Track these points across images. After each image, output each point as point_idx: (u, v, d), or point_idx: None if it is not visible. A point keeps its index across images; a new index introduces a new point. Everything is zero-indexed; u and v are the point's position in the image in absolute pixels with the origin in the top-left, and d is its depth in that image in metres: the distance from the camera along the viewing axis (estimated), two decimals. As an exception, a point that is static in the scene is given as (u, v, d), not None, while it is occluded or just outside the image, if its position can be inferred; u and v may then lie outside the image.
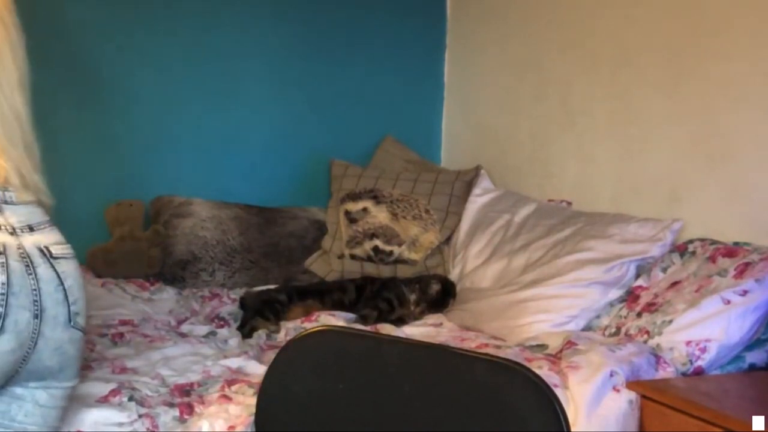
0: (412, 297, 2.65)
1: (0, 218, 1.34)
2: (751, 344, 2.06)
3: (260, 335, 2.40)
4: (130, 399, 1.76)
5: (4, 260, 1.29)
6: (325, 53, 3.31)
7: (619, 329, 2.22)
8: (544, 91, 3.01)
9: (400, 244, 3.00)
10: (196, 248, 2.90)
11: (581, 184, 2.86)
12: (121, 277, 2.74)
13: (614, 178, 2.73)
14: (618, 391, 1.91)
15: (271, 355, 1.79)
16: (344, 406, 1.14)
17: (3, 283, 1.28)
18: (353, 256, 3.05)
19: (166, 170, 3.08)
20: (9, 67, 1.39)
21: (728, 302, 2.03)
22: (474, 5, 3.39)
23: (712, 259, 2.18)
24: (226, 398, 1.84)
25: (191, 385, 1.93)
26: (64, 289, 1.38)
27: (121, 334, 2.29)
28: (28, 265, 1.33)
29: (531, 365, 1.72)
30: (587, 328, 2.31)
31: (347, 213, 3.09)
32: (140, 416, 1.72)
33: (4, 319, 1.28)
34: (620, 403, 1.90)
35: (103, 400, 1.75)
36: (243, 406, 1.79)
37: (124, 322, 2.41)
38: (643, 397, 1.89)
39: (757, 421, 1.62)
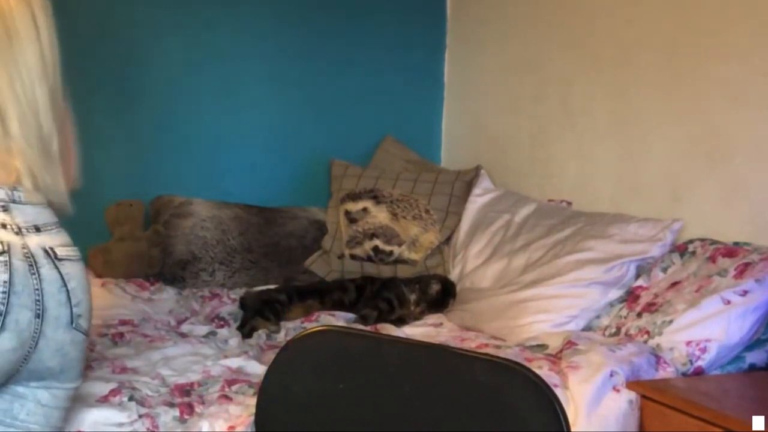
0: (412, 297, 2.65)
1: (6, 217, 1.34)
2: (751, 344, 2.06)
3: (260, 335, 2.40)
4: (131, 399, 1.76)
5: (7, 259, 1.29)
6: (325, 53, 3.31)
7: (619, 329, 2.22)
8: (544, 91, 3.01)
9: (400, 244, 3.00)
10: (196, 248, 2.90)
11: (581, 184, 2.86)
12: (121, 277, 2.74)
13: (614, 178, 2.73)
14: (618, 391, 1.91)
15: (271, 355, 1.78)
16: (344, 406, 1.14)
17: (5, 282, 1.28)
18: (353, 256, 3.05)
19: (166, 170, 3.09)
20: (31, 58, 1.36)
21: (728, 302, 2.03)
22: (474, 5, 3.39)
23: (712, 259, 2.18)
24: (226, 398, 1.84)
25: (191, 385, 1.93)
26: (67, 291, 1.38)
27: (121, 334, 2.29)
28: (31, 265, 1.33)
29: (531, 365, 1.72)
30: (587, 328, 2.31)
31: (347, 213, 3.09)
32: (140, 416, 1.72)
33: (5, 317, 1.28)
34: (620, 403, 1.90)
35: (103, 400, 1.76)
36: (243, 406, 1.79)
37: (124, 322, 2.41)
38: (643, 397, 1.89)
39: (757, 421, 1.62)
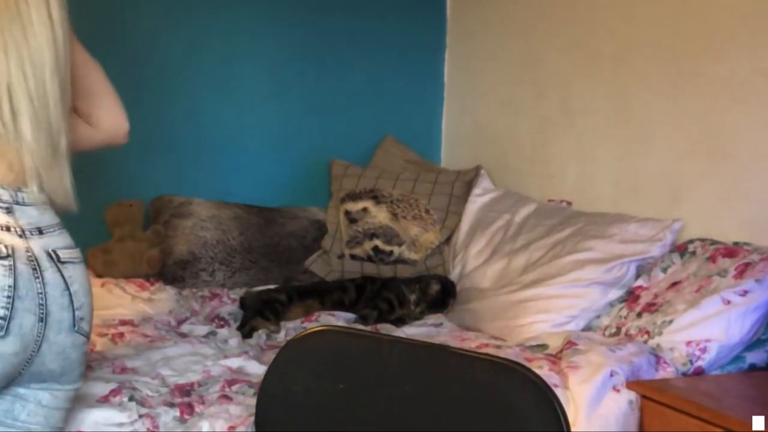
0: (412, 297, 2.65)
1: (10, 220, 1.32)
2: (752, 344, 2.06)
3: (260, 335, 2.40)
4: (131, 399, 1.76)
5: (11, 263, 1.28)
6: (325, 53, 3.30)
7: (619, 329, 2.22)
8: (544, 91, 3.01)
9: (400, 244, 3.00)
10: (196, 248, 2.90)
11: (581, 184, 2.86)
12: (121, 277, 2.74)
13: (614, 178, 2.73)
14: (618, 391, 1.91)
15: (271, 355, 1.79)
16: (344, 406, 1.14)
17: (10, 286, 1.27)
18: (353, 256, 3.05)
19: (166, 170, 3.08)
20: (45, 52, 1.34)
21: (728, 302, 2.03)
22: (474, 5, 3.39)
23: (712, 259, 2.18)
24: (227, 398, 1.84)
25: (191, 385, 1.93)
26: (70, 294, 1.37)
27: (121, 334, 2.29)
28: (35, 269, 1.32)
29: (531, 365, 1.72)
30: (587, 328, 2.31)
31: (347, 213, 3.09)
32: (140, 416, 1.72)
33: (9, 322, 1.27)
34: (620, 403, 1.90)
35: (104, 400, 1.76)
36: (243, 406, 1.79)
37: (124, 322, 2.41)
38: (643, 397, 1.89)
39: (757, 421, 1.62)
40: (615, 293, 2.33)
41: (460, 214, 3.03)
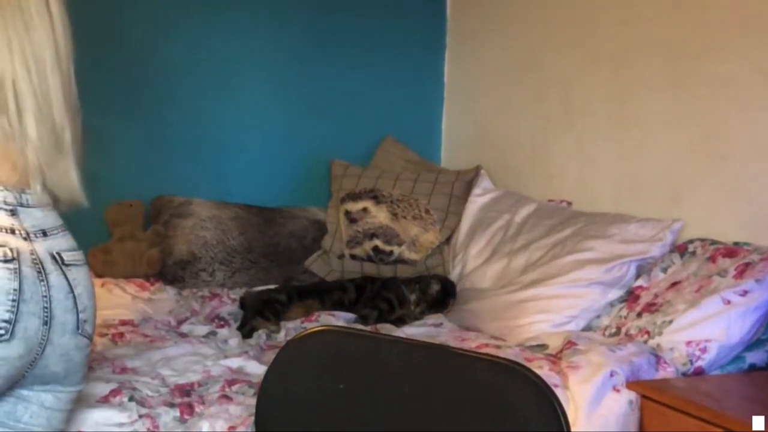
0: (412, 297, 2.65)
1: (15, 222, 1.31)
2: (752, 344, 2.06)
3: (260, 335, 2.40)
4: (131, 399, 1.76)
5: (16, 266, 1.27)
6: (325, 53, 3.30)
7: (619, 329, 2.22)
8: (544, 91, 3.01)
9: (400, 244, 3.00)
10: (196, 248, 2.90)
11: (581, 184, 2.86)
12: (121, 277, 2.74)
13: (614, 178, 2.73)
14: (618, 391, 1.91)
15: (271, 355, 1.78)
16: (344, 406, 1.14)
17: (15, 290, 1.26)
18: (353, 256, 3.05)
19: (166, 170, 3.08)
20: (46, 47, 1.34)
21: (728, 302, 2.03)
22: (474, 5, 3.39)
23: (712, 259, 2.18)
24: (227, 398, 1.84)
25: (191, 385, 1.93)
26: (74, 297, 1.37)
27: (121, 334, 2.29)
28: (40, 272, 1.31)
29: (531, 365, 1.72)
30: (587, 328, 2.31)
31: (347, 213, 3.09)
32: (141, 416, 1.72)
33: (14, 326, 1.26)
34: (620, 403, 1.90)
35: (104, 401, 1.75)
36: (243, 406, 1.79)
37: (124, 322, 2.41)
38: (643, 397, 1.89)
39: (757, 421, 1.62)
40: (615, 293, 2.34)
41: (460, 214, 3.03)
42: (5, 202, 1.32)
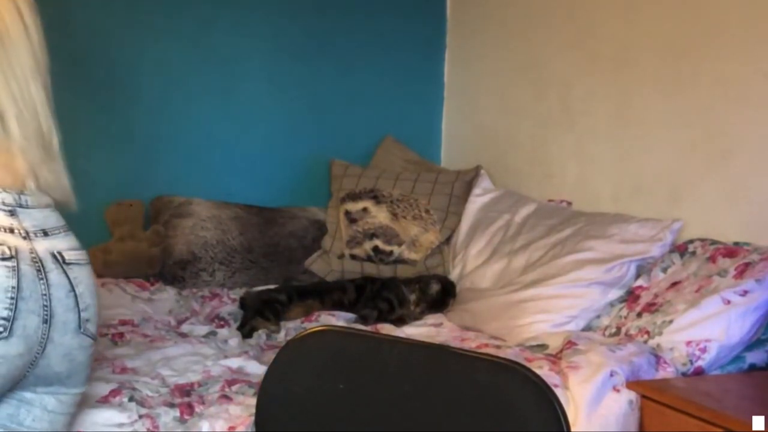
0: (412, 297, 2.65)
1: (14, 222, 1.32)
2: (752, 344, 2.06)
3: (260, 335, 2.40)
4: (131, 399, 1.76)
5: (15, 264, 1.28)
6: (325, 53, 3.30)
7: (619, 329, 2.22)
8: (544, 91, 3.01)
9: (400, 244, 3.00)
10: (196, 248, 2.90)
11: (581, 184, 2.86)
12: (121, 277, 2.74)
13: (614, 178, 2.73)
14: (618, 391, 1.91)
15: (271, 355, 1.79)
16: (344, 406, 1.14)
17: (13, 287, 1.27)
18: (353, 256, 3.05)
19: (166, 170, 3.08)
20: (23, 56, 1.36)
21: (728, 302, 2.03)
22: (474, 5, 3.39)
23: (712, 259, 2.18)
24: (227, 398, 1.84)
25: (191, 385, 1.93)
26: (75, 295, 1.37)
27: (121, 334, 2.29)
28: (39, 270, 1.32)
29: (531, 365, 1.72)
30: (587, 328, 2.31)
31: (347, 213, 3.09)
32: (141, 417, 1.72)
33: (12, 323, 1.27)
34: (620, 403, 1.90)
35: (104, 401, 1.76)
36: (243, 406, 1.79)
37: (124, 322, 2.41)
38: (643, 397, 1.89)
39: (757, 421, 1.62)
40: (615, 293, 2.34)
41: (460, 214, 3.03)
42: (3, 203, 1.32)
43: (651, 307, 2.19)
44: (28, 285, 1.29)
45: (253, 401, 1.68)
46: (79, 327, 1.37)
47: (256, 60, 3.21)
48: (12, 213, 1.33)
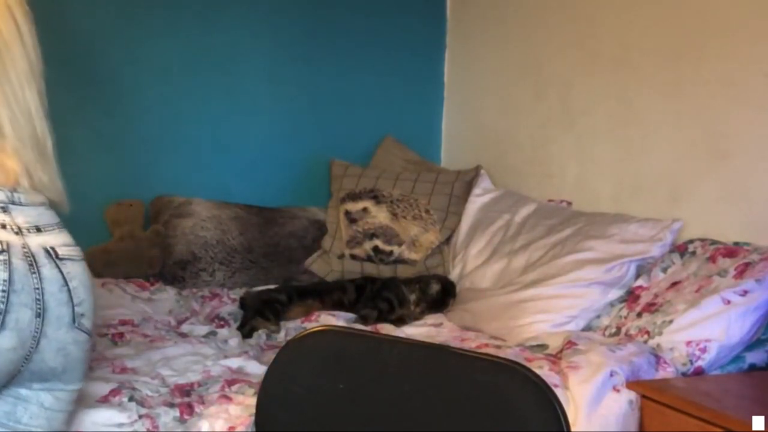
0: (412, 297, 2.65)
1: (6, 218, 1.33)
2: (752, 344, 2.06)
3: (260, 335, 2.40)
4: (131, 399, 1.76)
5: (6, 257, 1.29)
6: (325, 53, 3.31)
7: (619, 329, 2.22)
8: (544, 91, 3.01)
9: (400, 244, 3.00)
10: (196, 248, 2.90)
11: (581, 184, 2.86)
12: (121, 277, 2.74)
13: (614, 178, 2.73)
14: (618, 391, 1.91)
15: (271, 355, 1.79)
16: (344, 406, 1.14)
17: (5, 280, 1.28)
18: (353, 256, 3.05)
19: (166, 170, 3.08)
20: (18, 60, 1.37)
21: (728, 302, 2.03)
22: (474, 5, 3.39)
23: (712, 259, 2.18)
24: (227, 398, 1.84)
25: (191, 385, 1.93)
26: (69, 290, 1.37)
27: (121, 334, 2.29)
28: (31, 264, 1.33)
29: (531, 365, 1.72)
30: (587, 328, 2.31)
31: (347, 213, 3.09)
32: (140, 416, 1.72)
33: (4, 316, 1.28)
34: (620, 403, 1.90)
35: (103, 401, 1.75)
36: (243, 406, 1.79)
37: (124, 322, 2.41)
38: (643, 397, 1.89)
39: (757, 421, 1.62)
40: (615, 293, 2.34)
41: (460, 214, 3.04)
42: None
43: (651, 307, 2.19)
44: (20, 278, 1.30)
45: (253, 401, 1.68)
46: (74, 321, 1.38)
47: (256, 60, 3.21)
48: (4, 209, 1.34)
